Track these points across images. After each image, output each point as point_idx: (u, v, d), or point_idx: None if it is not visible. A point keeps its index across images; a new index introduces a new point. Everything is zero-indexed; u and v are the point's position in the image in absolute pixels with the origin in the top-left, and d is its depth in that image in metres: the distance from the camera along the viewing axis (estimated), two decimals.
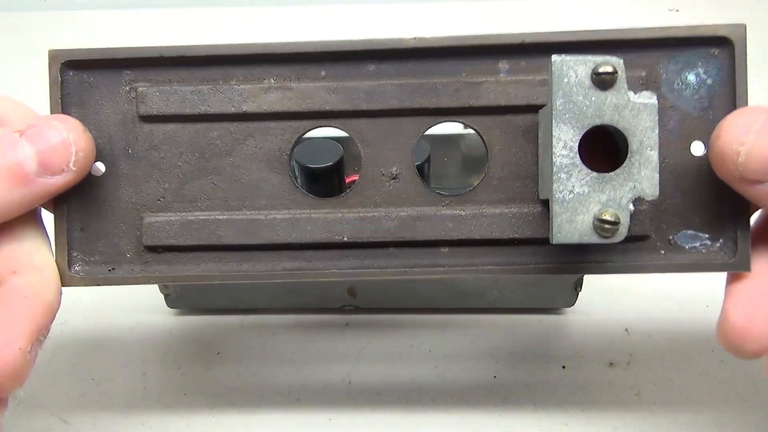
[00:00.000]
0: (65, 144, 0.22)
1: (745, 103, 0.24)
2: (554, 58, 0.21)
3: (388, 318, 0.38)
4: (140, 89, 0.25)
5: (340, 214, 0.25)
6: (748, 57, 0.25)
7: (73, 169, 0.23)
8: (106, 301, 0.39)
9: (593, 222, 0.21)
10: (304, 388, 0.35)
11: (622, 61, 0.21)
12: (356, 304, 0.38)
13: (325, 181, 0.36)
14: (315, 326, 0.38)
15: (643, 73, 0.24)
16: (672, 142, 0.24)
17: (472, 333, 0.37)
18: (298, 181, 0.37)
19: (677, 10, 0.67)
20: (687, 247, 0.25)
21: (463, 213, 0.25)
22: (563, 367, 0.35)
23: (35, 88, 0.66)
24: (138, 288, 0.41)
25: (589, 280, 0.35)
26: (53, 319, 0.23)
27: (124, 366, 0.36)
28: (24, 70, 0.62)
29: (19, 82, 0.61)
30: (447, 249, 0.25)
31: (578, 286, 0.36)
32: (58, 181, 0.23)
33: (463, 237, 0.25)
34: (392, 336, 0.37)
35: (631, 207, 0.21)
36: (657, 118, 0.21)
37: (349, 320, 0.38)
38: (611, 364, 0.35)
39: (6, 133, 0.22)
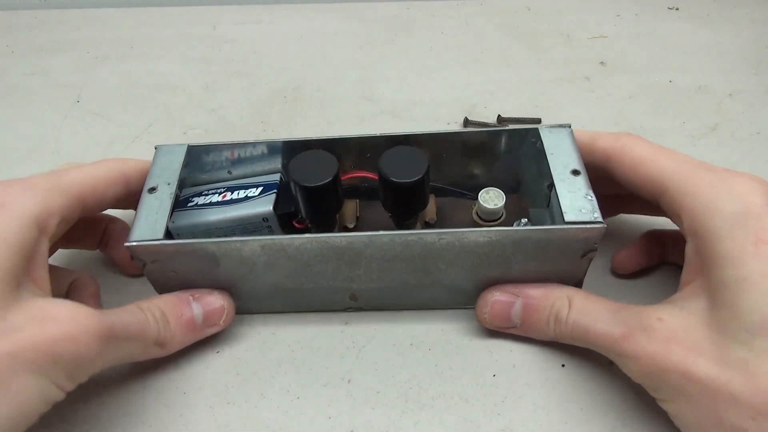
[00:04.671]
0: (222, 308, 0.35)
1: None
2: None
3: (388, 317, 0.38)
4: None
5: None
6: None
7: (222, 324, 0.36)
8: (107, 301, 0.39)
9: None
10: (303, 386, 0.35)
11: None
12: (358, 306, 0.38)
13: (324, 197, 0.35)
14: (315, 325, 0.38)
15: None
16: None
17: (471, 332, 0.37)
18: (297, 200, 0.35)
19: (677, 9, 0.67)
20: None
21: None
22: (563, 365, 0.35)
23: (36, 87, 0.66)
24: (138, 288, 0.41)
25: (588, 279, 0.35)
26: None
27: (124, 365, 0.36)
28: (24, 69, 0.62)
29: (19, 82, 0.61)
30: None
31: (579, 285, 0.36)
32: (212, 331, 0.35)
33: None
34: (392, 335, 0.37)
35: None
36: None
37: (349, 319, 0.38)
38: (611, 362, 0.35)
39: (184, 296, 0.35)
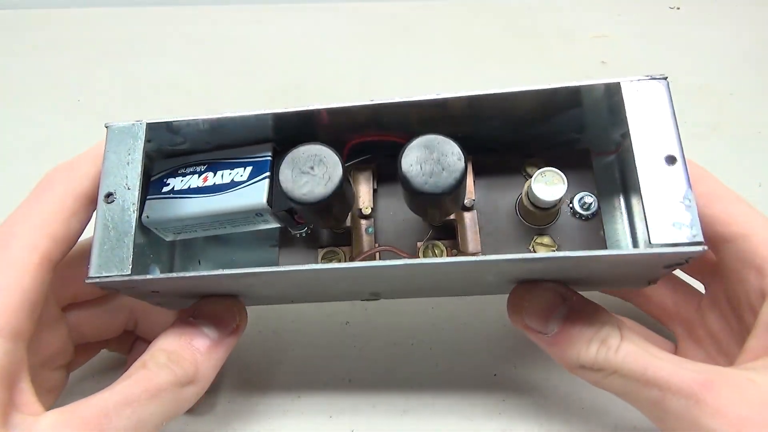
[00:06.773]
0: (230, 311, 0.31)
1: None
2: None
3: (388, 316, 0.38)
4: None
5: None
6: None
7: (241, 325, 0.31)
8: None
9: None
10: (304, 385, 0.35)
11: None
12: (378, 298, 0.34)
13: (327, 209, 0.27)
14: (316, 325, 0.38)
15: None
16: None
17: (472, 330, 0.37)
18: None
19: (678, 8, 0.67)
20: None
21: None
22: None
23: (36, 87, 0.66)
24: None
25: None
26: None
27: (124, 365, 0.36)
28: (25, 69, 0.63)
29: (20, 81, 0.61)
30: None
31: (651, 283, 0.31)
32: (234, 337, 0.31)
33: None
34: (392, 334, 0.37)
35: None
36: None
37: (349, 318, 0.38)
38: None
39: (183, 322, 0.30)
